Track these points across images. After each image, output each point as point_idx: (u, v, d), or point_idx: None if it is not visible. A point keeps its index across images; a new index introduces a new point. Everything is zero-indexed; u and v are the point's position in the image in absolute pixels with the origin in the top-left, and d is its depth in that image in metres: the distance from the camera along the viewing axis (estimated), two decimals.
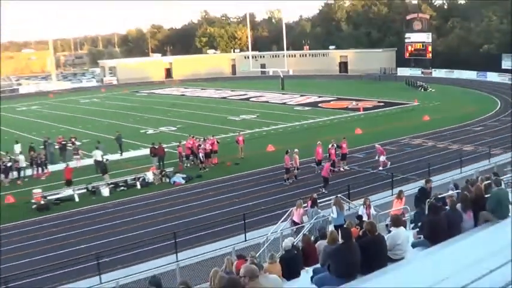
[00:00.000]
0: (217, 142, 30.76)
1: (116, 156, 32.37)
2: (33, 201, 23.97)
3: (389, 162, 27.47)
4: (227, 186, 25.93)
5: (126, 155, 33.37)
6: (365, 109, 47.31)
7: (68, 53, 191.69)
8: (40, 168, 29.53)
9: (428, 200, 13.01)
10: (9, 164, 28.46)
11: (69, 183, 25.83)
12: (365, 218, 14.92)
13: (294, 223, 17.46)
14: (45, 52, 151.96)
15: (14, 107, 63.68)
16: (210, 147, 29.85)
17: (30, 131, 43.93)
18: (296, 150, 26.60)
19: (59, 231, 20.73)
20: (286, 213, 18.30)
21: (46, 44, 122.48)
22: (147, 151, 30.77)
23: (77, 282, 15.96)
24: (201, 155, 29.23)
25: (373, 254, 8.12)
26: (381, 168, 26.91)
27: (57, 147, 32.81)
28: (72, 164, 29.43)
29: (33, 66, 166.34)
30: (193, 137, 31.24)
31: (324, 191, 23.12)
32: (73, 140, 33.38)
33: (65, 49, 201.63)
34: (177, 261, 16.06)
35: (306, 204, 17.96)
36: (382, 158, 27.57)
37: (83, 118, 50.62)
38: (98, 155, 29.51)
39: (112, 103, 62.72)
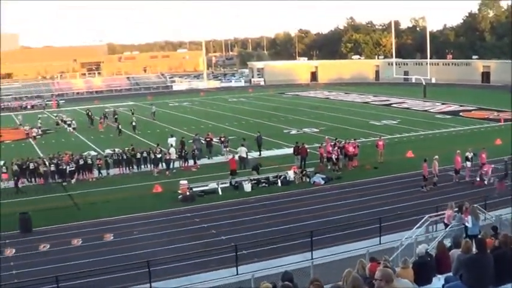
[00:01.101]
0: (358, 146, 31.63)
1: (254, 155, 34.18)
2: (179, 191, 26.20)
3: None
4: (365, 189, 26.36)
5: (269, 153, 35.09)
6: (506, 120, 45.63)
7: (219, 54, 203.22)
8: (188, 162, 32.31)
9: None
10: (159, 156, 31.51)
11: (233, 173, 28.44)
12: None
13: (445, 225, 17.77)
14: (198, 52, 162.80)
15: (167, 103, 70.54)
16: (353, 150, 30.72)
17: (181, 125, 48.37)
18: (436, 157, 26.80)
19: (201, 221, 22.43)
20: (422, 220, 18.21)
21: (199, 45, 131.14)
22: (287, 150, 32.32)
23: (215, 272, 17.07)
24: (334, 156, 30.08)
25: (507, 266, 8.03)
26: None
27: (203, 142, 35.34)
28: (220, 159, 31.94)
29: (187, 65, 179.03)
30: (337, 140, 32.20)
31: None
32: (223, 138, 35.68)
33: (217, 50, 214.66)
34: (312, 259, 16.60)
35: (456, 208, 17.88)
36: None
37: (229, 116, 54.57)
38: (243, 151, 31.75)
39: (258, 103, 66.59)
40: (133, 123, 47.06)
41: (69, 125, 49.94)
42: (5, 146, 42.99)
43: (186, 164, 32.31)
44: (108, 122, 51.41)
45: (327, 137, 35.27)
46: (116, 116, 52.22)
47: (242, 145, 32.28)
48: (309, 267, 14.94)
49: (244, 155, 31.63)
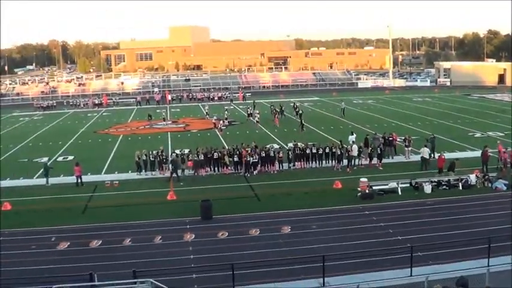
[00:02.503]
0: None
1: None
2: (359, 189, 26.55)
3: None
4: None
5: (451, 155, 33.75)
6: None
7: (405, 53, 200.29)
8: (372, 160, 32.72)
9: None
10: (339, 152, 32.18)
11: (440, 171, 29.21)
12: None
13: None
14: (385, 50, 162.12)
15: (351, 100, 71.80)
16: None
17: (363, 123, 49.27)
18: None
19: (379, 220, 22.53)
20: None
21: (386, 43, 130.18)
22: (470, 154, 33.05)
23: (390, 271, 16.99)
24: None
25: None
26: None
27: (381, 140, 35.04)
28: (401, 159, 32.39)
29: (373, 63, 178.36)
30: None
31: None
32: (408, 138, 35.37)
33: (403, 49, 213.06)
34: (488, 266, 16.11)
35: None
36: None
37: (413, 116, 54.62)
38: (425, 152, 31.82)
39: (443, 104, 65.90)
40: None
41: (254, 117, 52.81)
42: (191, 135, 47.06)
43: (371, 162, 32.68)
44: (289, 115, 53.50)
45: (498, 141, 34.68)
46: (297, 110, 53.99)
47: (425, 146, 32.46)
48: (484, 274, 14.86)
49: (427, 156, 31.73)
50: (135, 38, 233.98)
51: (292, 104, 59.35)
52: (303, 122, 46.90)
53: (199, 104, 72.66)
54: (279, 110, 54.64)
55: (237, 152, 32.39)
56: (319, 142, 35.19)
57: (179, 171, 31.22)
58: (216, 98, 79.73)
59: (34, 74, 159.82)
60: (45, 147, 42.84)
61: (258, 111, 54.14)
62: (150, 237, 21.19)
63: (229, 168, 32.20)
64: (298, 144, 34.54)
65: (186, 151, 34.87)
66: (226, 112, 55.56)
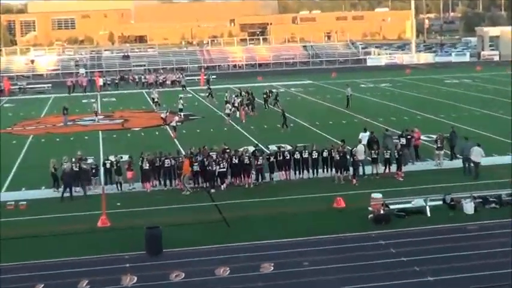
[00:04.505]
0: None
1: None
2: (370, 208, 26.44)
3: None
4: None
5: (494, 160, 34.56)
6: None
7: (434, 16, 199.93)
8: (391, 167, 32.80)
9: None
10: (337, 157, 32.03)
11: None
12: None
13: None
14: (404, 13, 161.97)
15: (358, 83, 72.34)
16: None
17: (375, 116, 49.51)
18: None
19: (399, 253, 22.37)
20: None
21: (407, 2, 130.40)
22: None
23: None
24: None
25: None
26: None
27: (396, 140, 35.43)
28: (429, 165, 32.86)
29: (388, 31, 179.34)
30: None
31: None
32: (438, 137, 35.32)
33: (432, 10, 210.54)
34: None
35: None
36: None
37: (446, 104, 55.36)
38: (477, 153, 31.73)
39: (488, 87, 66.37)
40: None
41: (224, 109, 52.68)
42: (133, 135, 46.85)
43: (388, 170, 32.79)
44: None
45: None
46: (269, 98, 54.89)
47: (478, 145, 32.24)
48: None
49: (478, 159, 31.65)
50: None
51: (265, 93, 58.78)
52: (285, 114, 46.94)
53: (144, 91, 72.25)
54: (245, 99, 55.16)
55: (199, 159, 32.19)
56: (313, 143, 34.93)
57: (92, 187, 31.57)
58: (168, 83, 79.60)
59: None
60: None
61: (234, 99, 54.39)
62: (71, 282, 20.77)
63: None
64: (285, 146, 34.31)
65: (125, 158, 34.51)
66: (181, 102, 55.24)
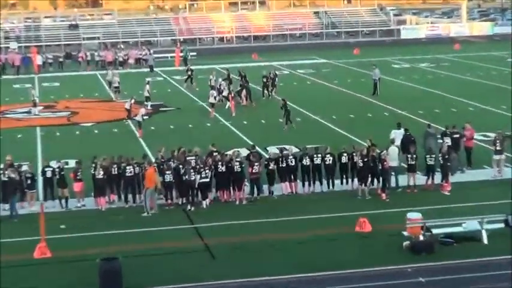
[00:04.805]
0: None
1: None
2: (404, 233, 26.43)
3: None
4: None
5: None
6: None
7: None
8: (434, 176, 32.96)
9: None
10: (361, 164, 32.12)
11: None
12: None
13: None
14: None
15: (389, 62, 73.19)
16: None
17: (413, 107, 49.94)
18: None
19: None
20: None
21: None
22: None
23: None
24: None
25: None
26: None
27: (439, 140, 35.89)
28: (486, 173, 33.28)
29: None
30: None
31: None
32: (497, 136, 35.74)
33: None
34: None
35: None
36: None
37: (507, 91, 55.30)
38: None
39: None
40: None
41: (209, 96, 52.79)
42: (82, 133, 46.85)
43: (430, 181, 32.88)
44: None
45: None
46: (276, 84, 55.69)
47: None
48: None
49: None
50: None
51: (264, 76, 58.87)
52: (287, 106, 46.93)
53: (98, 73, 72.23)
54: (236, 84, 56.27)
55: (172, 165, 32.19)
56: (327, 145, 35.00)
57: (26, 204, 31.70)
58: (130, 61, 79.79)
59: None
60: None
61: (221, 83, 54.87)
62: None
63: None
64: (290, 149, 34.33)
65: (72, 164, 34.39)
66: (147, 88, 55.10)
